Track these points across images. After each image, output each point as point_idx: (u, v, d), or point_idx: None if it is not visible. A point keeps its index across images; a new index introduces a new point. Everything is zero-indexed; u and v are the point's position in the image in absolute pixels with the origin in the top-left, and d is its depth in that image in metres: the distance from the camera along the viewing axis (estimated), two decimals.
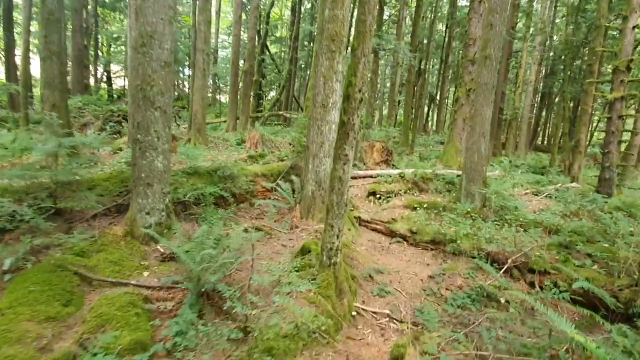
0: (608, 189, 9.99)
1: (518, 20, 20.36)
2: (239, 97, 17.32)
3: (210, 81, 28.04)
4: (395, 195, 8.47)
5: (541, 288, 4.43)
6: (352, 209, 7.52)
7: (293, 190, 6.43)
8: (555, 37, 24.56)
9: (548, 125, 30.47)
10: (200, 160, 8.18)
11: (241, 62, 20.30)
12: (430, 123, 28.29)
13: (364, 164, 10.46)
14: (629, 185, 12.81)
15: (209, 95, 29.71)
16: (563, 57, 20.69)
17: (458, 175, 9.74)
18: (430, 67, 29.07)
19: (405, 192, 8.72)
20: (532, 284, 4.51)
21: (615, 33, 20.58)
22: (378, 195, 8.21)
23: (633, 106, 20.06)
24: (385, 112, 29.58)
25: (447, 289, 4.44)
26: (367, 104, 18.07)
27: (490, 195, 7.04)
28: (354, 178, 9.59)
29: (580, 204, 8.85)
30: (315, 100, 5.89)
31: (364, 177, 9.65)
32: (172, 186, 5.10)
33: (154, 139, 4.11)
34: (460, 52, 23.00)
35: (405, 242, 5.91)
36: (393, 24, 25.18)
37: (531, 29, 17.60)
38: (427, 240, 5.65)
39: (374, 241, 5.97)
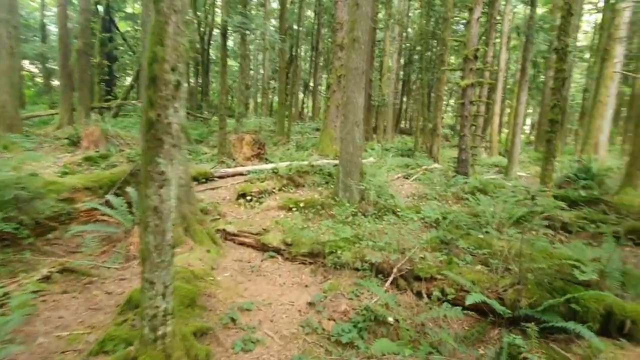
0: (465, 169, 10.80)
1: (378, 11, 21.27)
2: (75, 82, 13.91)
3: (40, 65, 22.59)
4: (269, 195, 7.47)
5: (429, 296, 3.97)
6: (218, 217, 6.26)
7: (130, 206, 4.83)
8: (409, 29, 26.72)
9: (408, 110, 33.55)
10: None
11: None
12: (305, 110, 28.20)
13: (234, 160, 9.17)
14: (478, 163, 14.42)
15: (40, 81, 24.06)
16: (419, 48, 22.54)
17: (335, 165, 9.27)
18: (303, 53, 28.83)
19: (280, 190, 7.80)
20: (419, 294, 4.02)
21: (455, 27, 23.24)
22: (249, 197, 7.09)
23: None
24: (260, 100, 28.37)
25: (330, 319, 3.62)
26: (239, 92, 16.61)
27: (368, 190, 6.57)
28: (221, 178, 8.26)
29: (446, 186, 9.27)
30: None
31: (234, 175, 8.40)
32: None
33: None
34: (330, 39, 23.13)
35: (279, 257, 4.95)
36: (261, 7, 23.89)
37: (391, 19, 18.43)
38: (304, 252, 4.78)
39: (242, 260, 4.85)
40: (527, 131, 37.79)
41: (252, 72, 28.66)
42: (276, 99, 25.07)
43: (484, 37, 17.84)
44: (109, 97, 19.01)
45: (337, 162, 8.80)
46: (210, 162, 9.81)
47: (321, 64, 22.58)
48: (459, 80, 10.94)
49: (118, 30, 22.79)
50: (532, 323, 3.34)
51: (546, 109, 20.21)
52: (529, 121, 37.28)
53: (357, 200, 6.93)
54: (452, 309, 3.49)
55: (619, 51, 11.86)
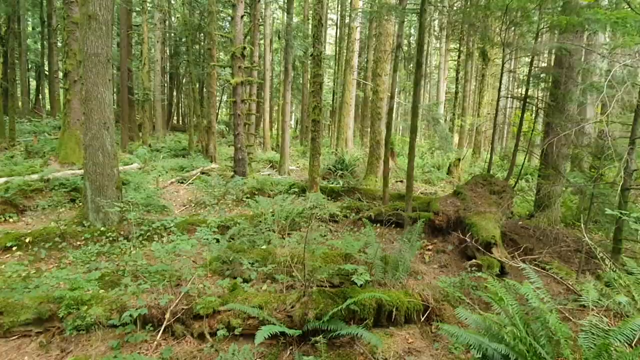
0: (243, 169, 10.68)
1: None
2: None
3: None
4: None
5: (213, 335, 3.32)
6: None
7: None
8: (174, 19, 24.86)
9: (181, 105, 31.59)
10: None
11: None
12: (42, 102, 22.01)
13: None
14: (254, 159, 14.73)
15: None
16: (184, 39, 21.13)
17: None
18: (30, 28, 22.26)
19: None
20: (202, 336, 3.31)
21: (222, 23, 23.15)
22: None
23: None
24: None
25: None
26: None
27: (127, 208, 5.26)
28: None
29: (224, 189, 8.81)
30: None
31: None
32: None
33: None
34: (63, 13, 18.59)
35: None
36: None
37: (148, 2, 16.38)
38: (25, 320, 3.22)
39: None
40: (293, 126, 42.53)
41: None
42: None
43: (249, 37, 18.37)
44: None
45: None
46: None
47: (60, 44, 17.90)
48: (229, 78, 10.62)
49: None
50: (321, 335, 3.23)
51: (306, 107, 22.93)
52: (293, 117, 41.97)
53: (116, 221, 5.50)
54: (240, 350, 2.97)
55: (355, 61, 14.41)
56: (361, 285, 3.58)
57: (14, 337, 3.22)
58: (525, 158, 9.16)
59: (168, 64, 23.72)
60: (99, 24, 5.22)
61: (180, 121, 30.73)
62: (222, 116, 34.77)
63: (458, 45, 21.40)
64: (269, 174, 12.31)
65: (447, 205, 6.34)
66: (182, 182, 10.40)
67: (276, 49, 25.28)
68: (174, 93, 27.61)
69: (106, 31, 5.31)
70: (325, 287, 3.90)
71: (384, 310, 3.57)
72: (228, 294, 3.56)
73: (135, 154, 11.64)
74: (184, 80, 26.73)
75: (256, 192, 8.64)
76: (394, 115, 13.85)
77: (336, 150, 14.36)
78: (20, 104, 18.78)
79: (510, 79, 23.63)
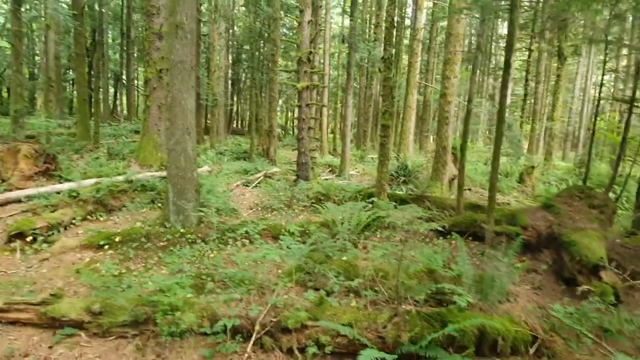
0: (306, 173, 10.66)
1: (202, 3, 19.55)
2: None
3: None
4: (65, 229, 5.38)
5: (302, 351, 3.18)
6: None
7: None
8: (236, 28, 25.84)
9: (240, 110, 32.75)
10: None
11: None
12: (119, 107, 23.88)
13: (3, 181, 6.36)
14: (314, 164, 14.72)
15: None
16: (247, 47, 21.85)
17: (163, 178, 7.64)
18: (111, 40, 24.29)
19: (84, 220, 5.75)
20: (290, 351, 3.18)
21: (281, 30, 23.59)
22: (30, 237, 4.88)
23: None
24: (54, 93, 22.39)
25: None
26: (15, 83, 12.36)
27: (207, 211, 5.35)
28: None
29: (290, 193, 8.81)
30: None
31: (4, 204, 5.78)
32: None
33: None
34: (144, 26, 19.99)
35: (83, 334, 3.31)
36: None
37: (217, 13, 17.11)
38: (123, 322, 3.30)
39: (13, 356, 3.01)
40: None
41: (40, 58, 22.39)
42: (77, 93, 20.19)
43: (311, 43, 18.49)
44: None
45: (164, 173, 7.23)
46: None
47: (136, 54, 19.30)
48: (295, 83, 10.68)
49: None
50: None
51: (363, 112, 22.66)
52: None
53: (195, 223, 5.64)
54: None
55: (418, 64, 13.91)
56: (460, 307, 3.26)
57: (112, 338, 3.30)
58: (631, 167, 8.12)
59: (230, 71, 24.66)
60: (185, 33, 5.39)
61: (239, 125, 31.82)
62: (278, 120, 35.46)
63: (529, 43, 19.93)
64: (329, 179, 12.21)
65: (536, 219, 5.76)
66: (247, 185, 10.60)
67: (332, 53, 25.30)
68: (235, 98, 28.67)
69: (191, 39, 5.47)
70: (411, 305, 3.63)
71: (486, 339, 3.21)
72: (315, 308, 3.41)
73: (208, 157, 12.11)
74: (243, 86, 27.67)
75: (322, 198, 8.53)
76: (454, 119, 13.12)
77: (398, 155, 13.92)
78: (101, 109, 20.53)
79: (589, 79, 21.59)
